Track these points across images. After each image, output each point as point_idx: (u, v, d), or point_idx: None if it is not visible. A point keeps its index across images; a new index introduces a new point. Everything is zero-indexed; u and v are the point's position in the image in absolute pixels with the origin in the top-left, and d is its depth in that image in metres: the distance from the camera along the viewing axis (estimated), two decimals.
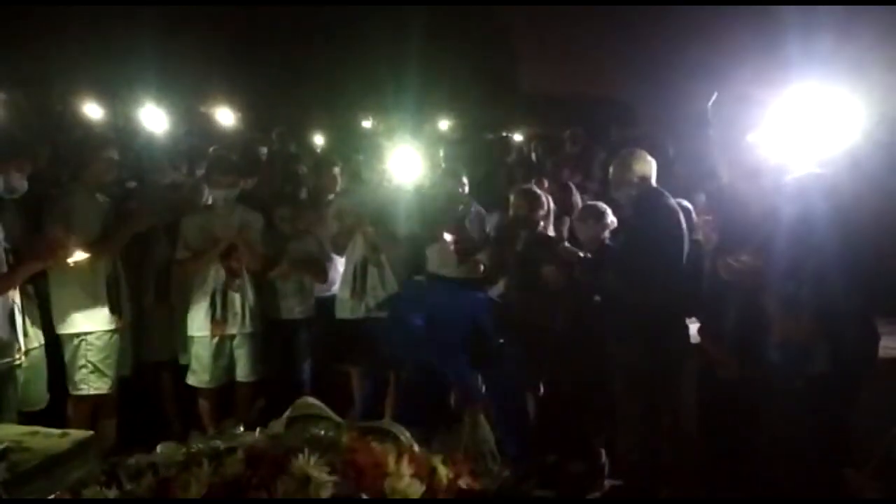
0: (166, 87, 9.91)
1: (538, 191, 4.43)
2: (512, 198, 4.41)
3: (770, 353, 2.98)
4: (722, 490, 3.36)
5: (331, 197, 5.00)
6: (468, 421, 2.75)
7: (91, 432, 2.23)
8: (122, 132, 7.26)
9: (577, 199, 4.81)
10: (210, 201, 4.44)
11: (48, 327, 3.77)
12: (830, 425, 2.85)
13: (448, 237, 4.41)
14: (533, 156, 7.51)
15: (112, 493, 1.51)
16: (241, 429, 1.79)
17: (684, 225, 3.64)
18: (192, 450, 1.61)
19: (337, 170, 5.10)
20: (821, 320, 2.80)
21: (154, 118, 7.01)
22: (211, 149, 6.17)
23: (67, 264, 3.45)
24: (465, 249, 4.44)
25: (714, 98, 3.57)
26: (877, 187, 4.60)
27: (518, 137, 8.93)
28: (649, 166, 3.71)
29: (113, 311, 3.84)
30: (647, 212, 3.63)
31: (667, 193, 3.71)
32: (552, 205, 4.40)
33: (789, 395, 2.92)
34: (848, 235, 2.84)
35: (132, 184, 4.86)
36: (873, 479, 1.71)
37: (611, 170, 3.82)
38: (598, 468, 3.80)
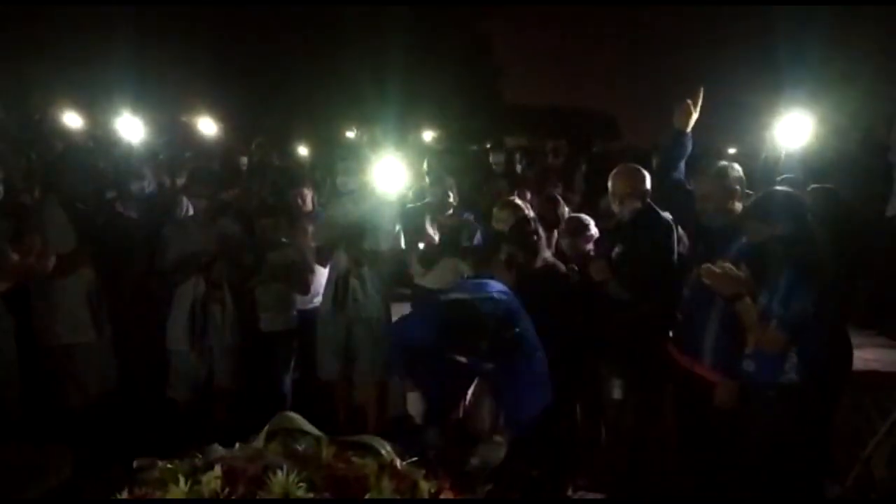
0: (147, 97, 9.83)
1: (520, 202, 4.44)
2: (494, 210, 4.41)
3: (744, 363, 3.01)
4: (705, 497, 3.36)
5: (311, 208, 4.97)
6: (496, 442, 2.68)
7: (66, 447, 2.19)
8: (101, 142, 7.18)
9: (564, 211, 4.83)
10: (190, 212, 4.40)
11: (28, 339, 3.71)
12: (805, 435, 2.88)
13: (420, 246, 4.41)
14: (518, 167, 7.55)
15: None
16: (220, 445, 1.77)
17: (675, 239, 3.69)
18: (169, 466, 1.58)
19: (306, 190, 5.07)
20: (791, 331, 2.83)
21: (133, 128, 6.93)
22: (186, 154, 6.12)
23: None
24: (428, 255, 4.43)
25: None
26: (853, 201, 4.70)
27: (498, 148, 8.97)
28: (648, 181, 3.72)
29: (94, 323, 3.79)
30: (648, 227, 3.64)
31: (658, 208, 3.73)
32: (533, 215, 4.40)
33: (763, 405, 2.94)
34: (821, 249, 2.89)
35: (111, 194, 4.80)
36: (852, 492, 1.72)
37: (611, 184, 3.77)
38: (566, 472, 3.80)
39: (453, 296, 2.95)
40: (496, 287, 3.14)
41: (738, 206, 3.29)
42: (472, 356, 2.86)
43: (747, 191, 3.40)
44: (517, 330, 2.95)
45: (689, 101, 3.47)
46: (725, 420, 3.16)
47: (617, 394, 3.71)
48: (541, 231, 3.90)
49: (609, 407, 3.83)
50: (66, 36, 13.19)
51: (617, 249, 3.70)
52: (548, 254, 3.93)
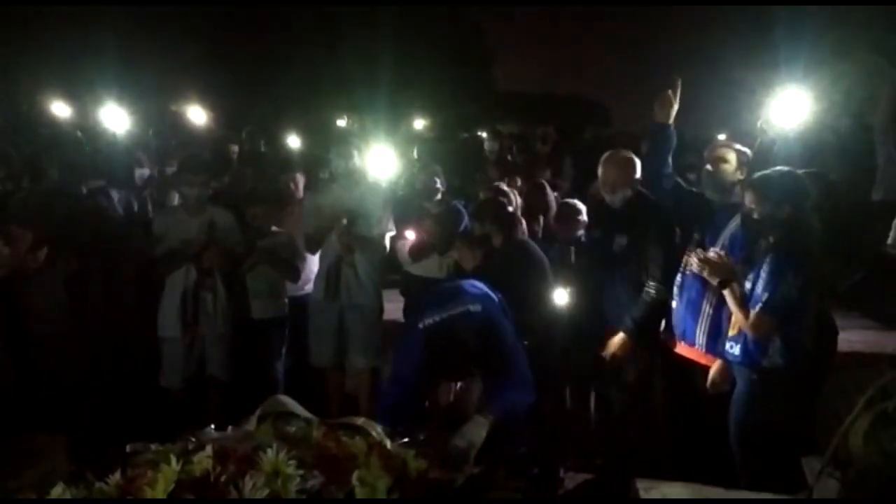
0: (136, 86, 9.79)
1: (506, 188, 4.47)
2: (480, 196, 4.44)
3: (727, 345, 3.06)
4: (691, 476, 3.41)
5: (302, 195, 4.97)
6: (476, 421, 2.68)
7: (61, 433, 2.22)
8: (90, 132, 7.14)
9: (551, 197, 4.85)
10: (181, 200, 4.40)
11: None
12: (788, 417, 2.93)
13: (409, 234, 4.42)
14: (508, 155, 7.57)
15: (81, 491, 1.50)
16: (213, 428, 1.79)
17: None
18: (162, 448, 1.61)
19: (298, 175, 5.06)
20: (776, 316, 2.86)
21: (118, 117, 6.90)
22: (174, 142, 6.09)
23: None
24: (418, 247, 4.45)
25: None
26: (841, 184, 4.73)
27: (493, 136, 8.97)
28: (639, 168, 3.67)
29: (70, 313, 3.80)
30: (644, 214, 3.62)
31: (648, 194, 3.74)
32: (520, 202, 4.44)
33: (747, 388, 2.99)
34: (811, 235, 2.92)
35: (99, 182, 4.78)
36: (829, 467, 1.77)
37: (602, 172, 3.68)
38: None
39: (429, 320, 2.90)
40: (470, 291, 3.10)
41: (738, 189, 3.33)
42: (461, 377, 2.85)
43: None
44: (498, 339, 2.94)
45: (669, 93, 3.45)
46: (713, 403, 3.21)
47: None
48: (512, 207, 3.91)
49: (599, 389, 3.87)
50: (55, 26, 13.08)
51: (620, 241, 3.65)
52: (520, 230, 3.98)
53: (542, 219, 4.63)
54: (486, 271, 3.30)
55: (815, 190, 3.73)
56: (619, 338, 3.53)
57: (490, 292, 3.15)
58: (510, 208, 4.23)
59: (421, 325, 2.92)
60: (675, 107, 3.46)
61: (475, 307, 2.97)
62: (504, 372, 2.91)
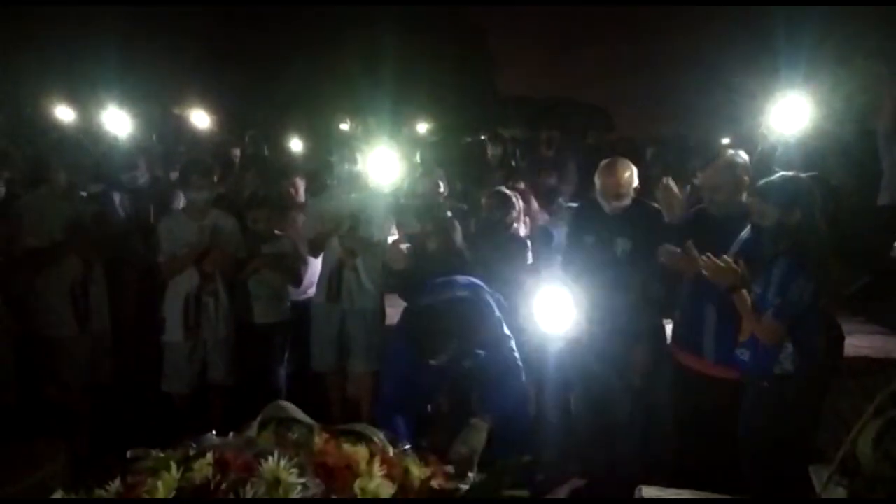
0: (139, 89, 9.81)
1: (509, 192, 4.46)
2: (483, 200, 4.43)
3: (738, 352, 3.03)
4: (697, 486, 3.39)
5: (304, 200, 4.97)
6: (475, 426, 2.68)
7: (60, 438, 2.21)
8: (93, 135, 7.15)
9: (532, 200, 4.91)
10: (184, 204, 4.40)
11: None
12: (795, 422, 2.91)
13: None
14: (512, 160, 7.54)
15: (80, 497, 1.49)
16: (214, 434, 1.78)
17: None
18: (162, 455, 1.59)
19: (298, 180, 5.05)
20: (787, 321, 2.84)
21: (120, 121, 6.90)
22: (181, 147, 6.08)
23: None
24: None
25: None
26: (845, 189, 4.70)
27: (496, 140, 8.95)
28: (636, 176, 3.67)
29: (76, 316, 3.79)
30: (646, 217, 3.62)
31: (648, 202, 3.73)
32: (523, 205, 4.45)
33: (756, 394, 2.97)
34: (822, 239, 2.90)
35: (99, 187, 4.78)
36: (837, 475, 1.75)
37: (602, 181, 3.65)
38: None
39: (420, 303, 2.96)
40: (461, 283, 3.15)
41: (745, 196, 3.31)
42: (445, 357, 2.86)
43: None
44: (484, 325, 2.98)
45: (666, 193, 3.48)
46: (721, 412, 3.18)
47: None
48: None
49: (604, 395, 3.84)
50: (57, 28, 13.12)
51: (623, 246, 3.65)
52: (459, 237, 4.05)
53: (527, 219, 4.68)
54: (417, 272, 3.36)
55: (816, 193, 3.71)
56: (643, 355, 3.52)
57: (484, 286, 3.19)
58: (514, 212, 4.25)
59: (413, 308, 3.03)
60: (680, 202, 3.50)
61: (462, 293, 3.04)
62: (489, 360, 2.93)
